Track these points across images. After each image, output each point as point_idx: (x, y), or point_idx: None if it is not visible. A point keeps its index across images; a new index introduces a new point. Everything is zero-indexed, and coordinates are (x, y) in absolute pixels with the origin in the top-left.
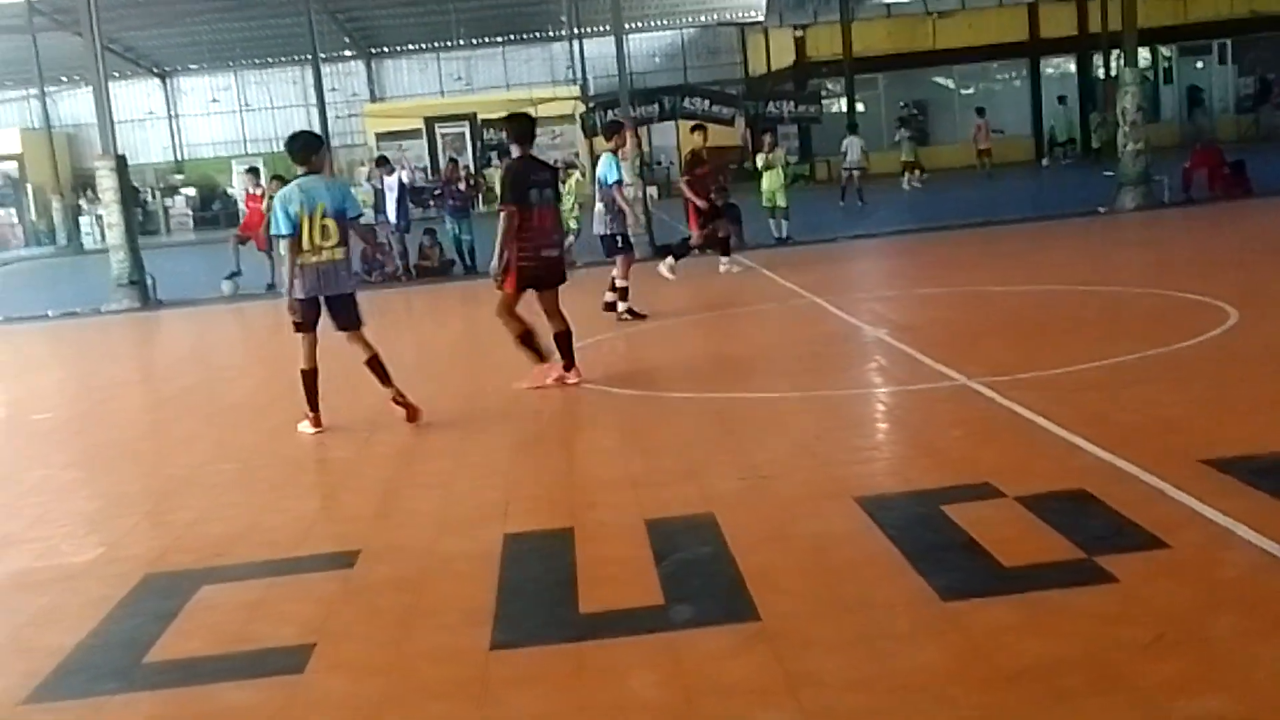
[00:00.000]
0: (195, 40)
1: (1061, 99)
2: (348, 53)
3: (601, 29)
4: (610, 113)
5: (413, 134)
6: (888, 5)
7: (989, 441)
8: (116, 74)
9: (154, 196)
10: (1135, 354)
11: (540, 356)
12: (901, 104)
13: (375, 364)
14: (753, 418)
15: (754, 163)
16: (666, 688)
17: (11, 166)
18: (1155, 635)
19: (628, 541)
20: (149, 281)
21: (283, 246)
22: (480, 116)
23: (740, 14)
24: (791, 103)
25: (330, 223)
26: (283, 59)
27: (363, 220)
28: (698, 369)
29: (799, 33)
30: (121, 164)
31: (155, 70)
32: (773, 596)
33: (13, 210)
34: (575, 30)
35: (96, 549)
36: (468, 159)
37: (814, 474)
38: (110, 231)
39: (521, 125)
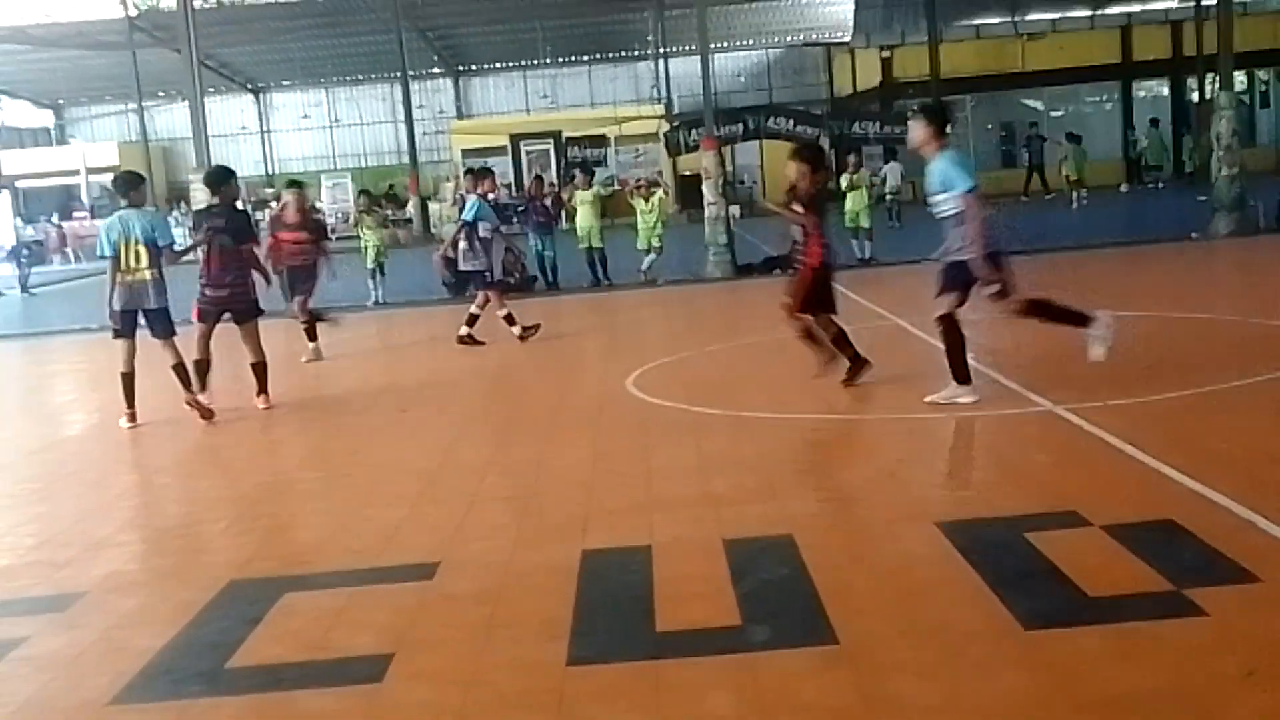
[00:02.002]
0: (288, 57)
1: (1154, 122)
2: (436, 70)
3: (687, 48)
4: (694, 131)
5: (498, 151)
6: (976, 26)
7: (1075, 468)
8: (212, 89)
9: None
10: (1227, 383)
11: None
12: (1030, 123)
13: (179, 370)
14: (833, 439)
15: (838, 183)
16: (743, 708)
17: (108, 179)
18: (1247, 670)
19: (706, 560)
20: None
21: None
22: (565, 134)
23: (827, 34)
24: (877, 123)
25: (142, 249)
26: (372, 76)
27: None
28: (779, 389)
29: (886, 53)
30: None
31: (249, 86)
32: (851, 619)
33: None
34: (661, 49)
35: (185, 554)
36: (552, 176)
37: (895, 497)
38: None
39: (210, 176)
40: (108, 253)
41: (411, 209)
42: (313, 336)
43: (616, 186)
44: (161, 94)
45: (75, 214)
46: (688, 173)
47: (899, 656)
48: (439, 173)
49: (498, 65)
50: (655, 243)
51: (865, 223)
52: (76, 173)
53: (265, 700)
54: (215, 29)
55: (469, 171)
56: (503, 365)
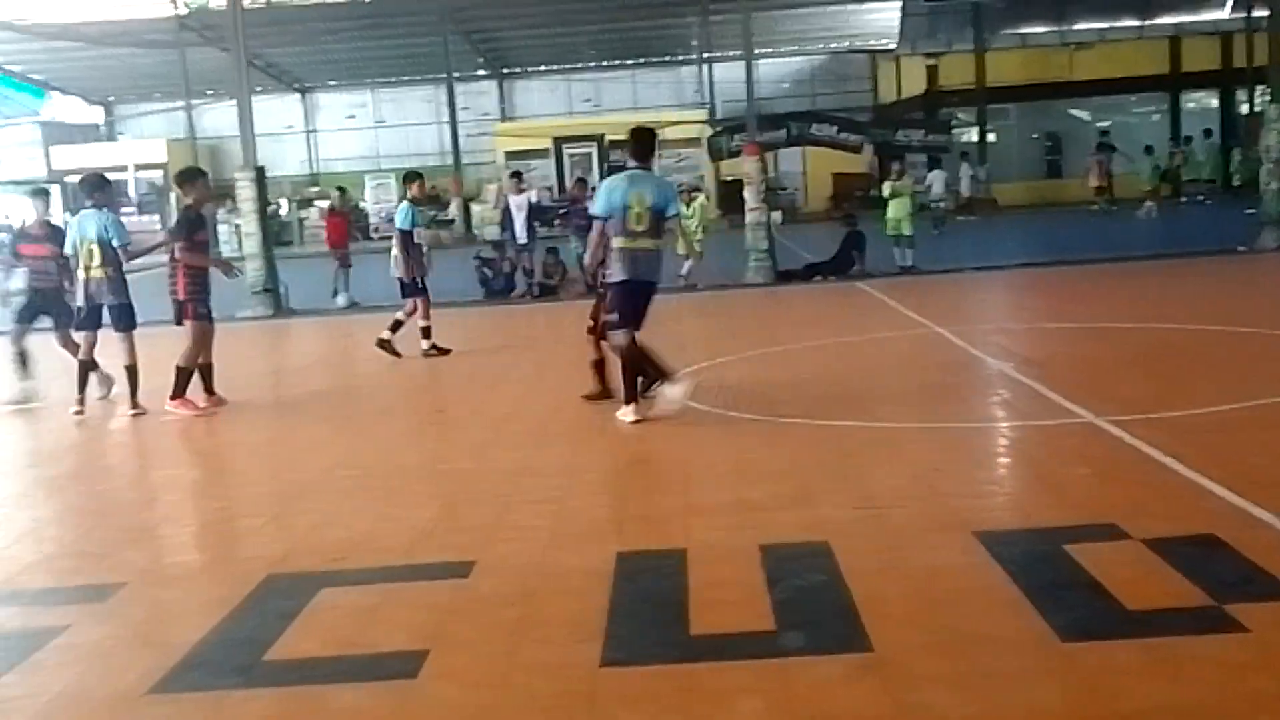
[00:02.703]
0: (334, 58)
1: (1208, 132)
2: (481, 73)
3: (731, 53)
4: (736, 136)
5: (541, 154)
6: (1023, 35)
7: (1115, 481)
8: (259, 89)
9: (289, 208)
10: (1272, 398)
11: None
12: (1101, 130)
13: (131, 371)
14: (870, 447)
15: (880, 190)
16: (775, 714)
17: (157, 175)
18: None
19: (740, 565)
20: (281, 290)
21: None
22: (607, 137)
23: (872, 41)
24: (920, 131)
25: (95, 248)
26: (418, 78)
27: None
28: (816, 396)
29: (931, 61)
30: (260, 175)
31: (295, 86)
32: (886, 627)
33: (157, 217)
34: (704, 54)
35: (222, 548)
36: (594, 179)
37: (932, 506)
38: (247, 240)
39: (178, 175)
40: (68, 251)
41: (454, 210)
42: (23, 366)
43: None
44: (210, 92)
45: (122, 209)
46: (730, 178)
47: (933, 666)
48: (482, 175)
49: (542, 68)
50: (696, 248)
51: (907, 230)
52: (125, 169)
53: (300, 694)
54: (263, 29)
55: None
56: (539, 367)
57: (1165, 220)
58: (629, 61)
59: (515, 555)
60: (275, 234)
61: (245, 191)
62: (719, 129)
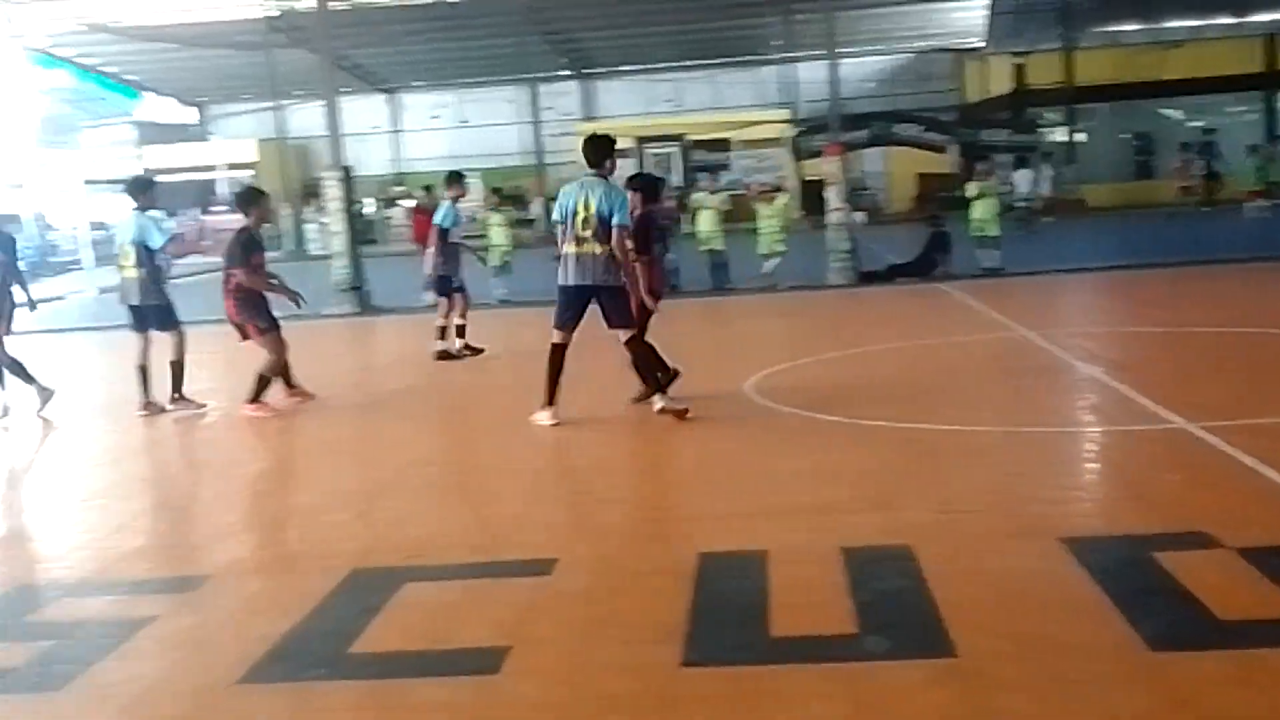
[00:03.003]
0: (419, 59)
1: None
2: (563, 73)
3: (813, 53)
4: (818, 136)
5: (622, 153)
6: (1113, 33)
7: (1208, 488)
8: (345, 89)
9: (375, 207)
10: None
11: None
12: (1206, 130)
13: (174, 366)
14: (954, 450)
15: (965, 191)
16: (856, 718)
17: (247, 175)
18: None
19: (822, 567)
20: (366, 288)
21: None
22: (689, 138)
23: (957, 40)
24: (1007, 131)
25: (130, 249)
26: (501, 78)
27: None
28: (899, 398)
29: (1019, 60)
30: (346, 175)
31: (381, 86)
32: (969, 633)
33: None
34: (787, 54)
35: (308, 542)
36: (675, 179)
37: (1016, 510)
38: (333, 239)
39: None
40: (116, 253)
41: (535, 210)
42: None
43: (741, 190)
44: (298, 93)
45: (213, 208)
46: (812, 178)
47: (1016, 672)
48: (563, 175)
49: (623, 68)
50: (778, 247)
51: (992, 231)
52: (215, 168)
53: (384, 687)
54: (349, 30)
55: (449, 175)
56: (620, 367)
57: (1264, 222)
58: (710, 61)
59: (595, 553)
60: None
61: (332, 191)
62: (801, 129)
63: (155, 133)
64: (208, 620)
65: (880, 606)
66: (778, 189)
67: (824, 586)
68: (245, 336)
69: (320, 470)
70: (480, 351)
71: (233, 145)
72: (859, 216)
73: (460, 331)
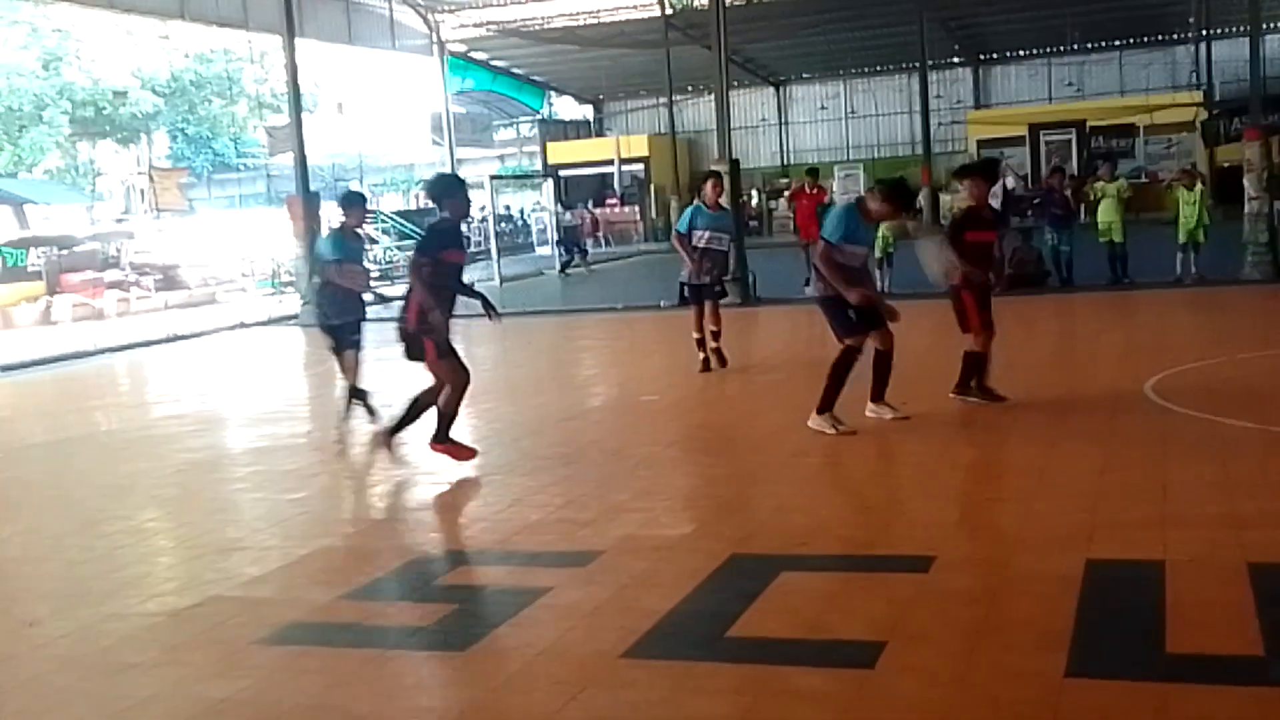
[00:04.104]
0: (809, 50)
1: None
2: (955, 60)
3: (1235, 29)
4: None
5: (1015, 141)
6: None
7: None
8: (736, 83)
9: (759, 199)
10: None
11: None
12: None
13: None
14: None
15: None
16: None
17: (639, 169)
18: None
19: (1227, 583)
20: (750, 279)
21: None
22: (1089, 123)
23: None
24: None
25: (320, 265)
26: (890, 67)
27: None
28: None
29: None
30: (735, 168)
31: (770, 79)
32: None
33: (637, 208)
34: (1203, 31)
35: (691, 524)
36: (1072, 167)
37: None
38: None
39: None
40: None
41: (921, 200)
42: None
43: (1144, 179)
44: (689, 88)
45: (607, 201)
46: (1226, 164)
47: None
48: (953, 164)
49: (1020, 53)
50: (1200, 237)
51: None
52: (610, 162)
53: (760, 672)
54: (743, 25)
55: (706, 174)
56: (1009, 363)
57: None
58: (1117, 43)
59: (977, 553)
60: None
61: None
62: (1216, 112)
63: (557, 129)
64: (597, 594)
65: None
66: (1193, 174)
67: (1227, 604)
68: (416, 356)
69: (704, 454)
70: (725, 363)
71: (626, 140)
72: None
73: (714, 337)
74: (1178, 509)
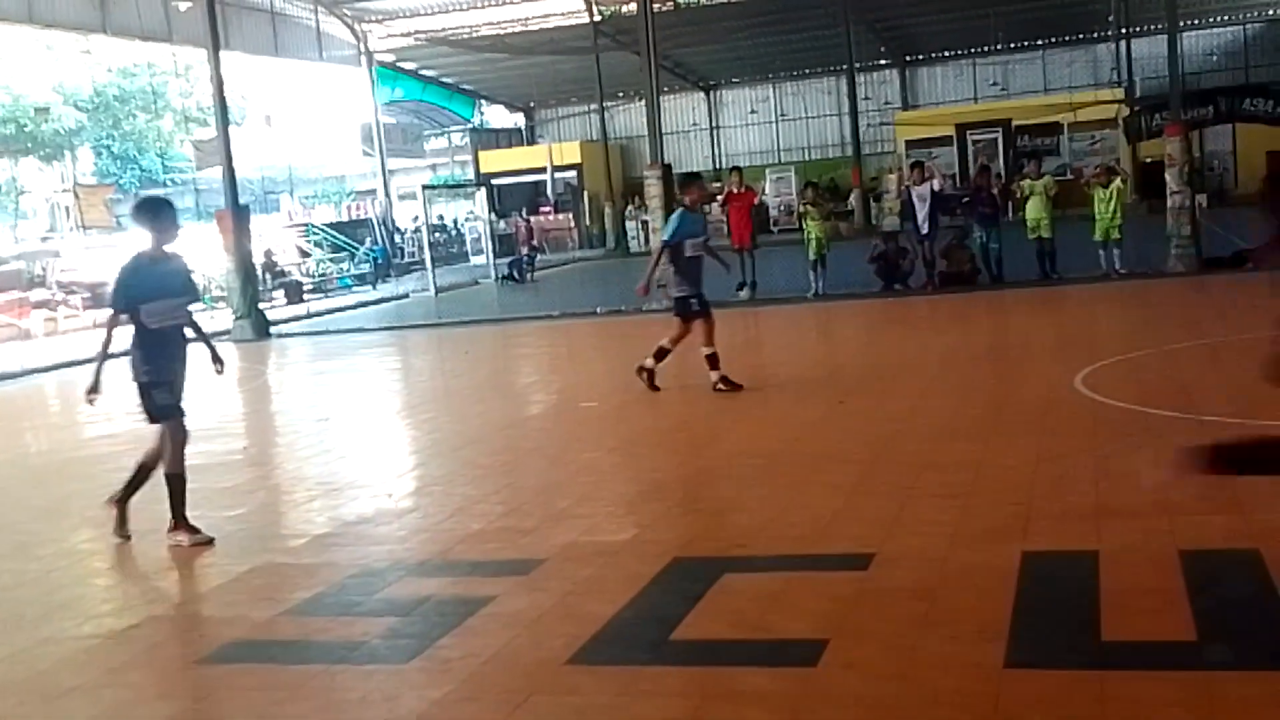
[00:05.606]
0: (739, 55)
1: None
2: (882, 61)
3: (1153, 27)
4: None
5: (943, 141)
6: None
7: None
8: (666, 88)
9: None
10: None
11: None
12: None
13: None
14: None
15: None
16: None
17: (571, 175)
18: None
19: (1159, 571)
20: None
21: None
22: (1014, 122)
23: None
24: None
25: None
26: (819, 70)
27: (888, 229)
28: (1248, 393)
29: None
30: (667, 173)
31: (701, 84)
32: None
33: (570, 215)
34: (1123, 29)
35: (633, 529)
36: (999, 166)
37: None
38: (654, 235)
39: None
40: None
41: (853, 201)
42: None
43: (1069, 175)
44: (620, 94)
45: (541, 209)
46: (1149, 160)
47: None
48: (883, 164)
49: (946, 54)
50: (1115, 234)
51: None
52: (543, 170)
53: (706, 674)
54: (672, 30)
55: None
56: (944, 360)
57: None
58: (1040, 42)
59: (917, 549)
60: None
61: (653, 189)
62: (1137, 108)
63: (489, 138)
64: (541, 602)
65: (1222, 613)
66: (1112, 171)
67: (1160, 590)
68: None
69: (645, 459)
70: (739, 387)
71: (558, 147)
72: (1201, 199)
73: (713, 362)
74: (1110, 499)
